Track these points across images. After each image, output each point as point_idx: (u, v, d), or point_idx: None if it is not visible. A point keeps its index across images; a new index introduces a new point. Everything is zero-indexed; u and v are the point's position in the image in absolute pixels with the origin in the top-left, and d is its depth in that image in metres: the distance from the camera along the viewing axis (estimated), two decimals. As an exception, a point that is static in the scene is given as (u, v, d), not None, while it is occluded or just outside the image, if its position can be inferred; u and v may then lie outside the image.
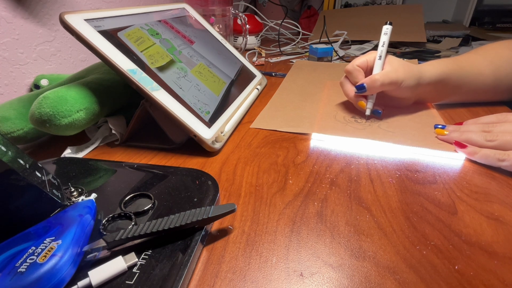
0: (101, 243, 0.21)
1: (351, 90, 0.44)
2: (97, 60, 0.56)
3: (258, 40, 0.96)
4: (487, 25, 1.12)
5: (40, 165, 0.25)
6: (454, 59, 0.47)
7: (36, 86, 0.52)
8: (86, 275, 0.19)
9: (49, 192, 0.23)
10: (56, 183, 0.25)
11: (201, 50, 0.50)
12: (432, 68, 0.44)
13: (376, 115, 0.44)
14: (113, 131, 0.39)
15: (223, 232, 0.25)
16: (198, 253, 0.22)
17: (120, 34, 0.37)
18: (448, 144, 0.37)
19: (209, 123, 0.38)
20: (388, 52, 0.84)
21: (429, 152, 0.36)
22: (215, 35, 0.59)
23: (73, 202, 0.26)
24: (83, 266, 0.20)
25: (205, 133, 0.36)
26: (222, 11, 0.73)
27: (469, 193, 0.29)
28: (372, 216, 0.27)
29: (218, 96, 0.44)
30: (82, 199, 0.27)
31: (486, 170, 0.33)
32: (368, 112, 0.43)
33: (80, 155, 0.37)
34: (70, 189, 0.27)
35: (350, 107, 0.49)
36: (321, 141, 0.39)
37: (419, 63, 0.71)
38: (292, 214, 0.27)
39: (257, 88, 0.56)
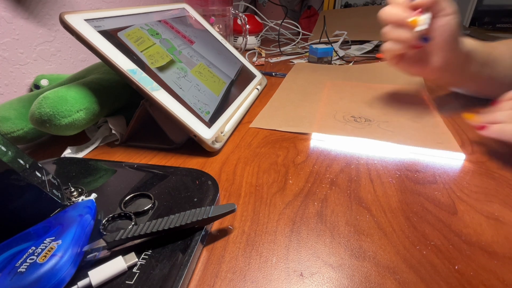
0: (101, 243, 0.21)
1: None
2: (97, 60, 0.56)
3: (258, 40, 0.96)
4: (487, 25, 1.12)
5: (40, 165, 0.25)
6: (482, 42, 0.45)
7: (36, 86, 0.52)
8: (86, 275, 0.19)
9: (49, 192, 0.23)
10: (56, 183, 0.25)
11: (201, 50, 0.50)
12: (465, 39, 0.42)
13: (424, 42, 0.38)
14: (113, 131, 0.39)
15: (223, 232, 0.25)
16: (198, 253, 0.22)
17: (120, 34, 0.37)
18: (448, 144, 0.37)
19: (209, 123, 0.38)
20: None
21: (429, 152, 0.36)
22: (215, 35, 0.59)
23: (73, 202, 0.26)
24: (83, 266, 0.20)
25: (205, 133, 0.36)
26: (222, 11, 0.73)
27: (469, 193, 0.29)
28: (372, 216, 0.27)
29: (218, 96, 0.44)
30: (82, 199, 0.27)
31: (486, 170, 0.33)
32: (422, 27, 0.36)
33: (80, 155, 0.37)
34: (70, 189, 0.27)
35: (349, 106, 0.49)
36: (321, 141, 0.39)
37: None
38: (292, 214, 0.27)
39: (257, 88, 0.56)
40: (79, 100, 0.34)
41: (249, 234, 0.25)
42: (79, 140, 0.40)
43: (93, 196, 0.27)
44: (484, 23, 1.12)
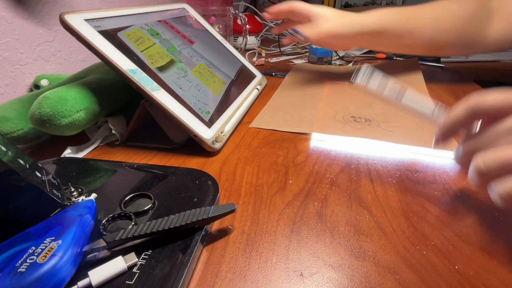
0: (101, 243, 0.21)
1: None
2: (97, 60, 0.56)
3: (258, 40, 0.96)
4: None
5: (40, 165, 0.25)
6: (402, 10, 0.49)
7: (36, 86, 0.52)
8: (86, 275, 0.19)
9: (49, 192, 0.23)
10: (56, 183, 0.25)
11: (201, 50, 0.50)
12: (373, 18, 0.48)
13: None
14: (113, 131, 0.39)
15: (223, 232, 0.25)
16: (198, 253, 0.22)
17: (120, 34, 0.37)
18: (448, 143, 0.37)
19: (209, 123, 0.38)
20: (387, 52, 0.84)
21: (429, 152, 0.36)
22: (215, 35, 0.59)
23: (73, 202, 0.26)
24: (83, 266, 0.20)
25: (205, 133, 0.36)
26: (222, 11, 0.73)
27: (469, 193, 0.29)
28: (372, 216, 0.27)
29: (218, 96, 0.44)
30: (82, 199, 0.27)
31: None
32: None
33: (80, 155, 0.37)
34: (70, 189, 0.27)
35: (349, 106, 0.49)
36: (321, 141, 0.39)
37: (420, 63, 0.71)
38: (292, 214, 0.27)
39: (257, 88, 0.56)
40: (79, 100, 0.34)
41: (249, 234, 0.25)
42: (79, 140, 0.40)
43: (93, 196, 0.27)
44: None
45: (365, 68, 0.28)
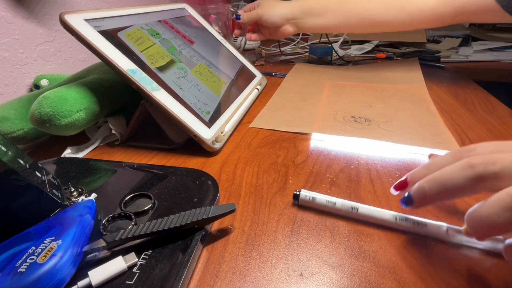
0: (101, 243, 0.21)
1: None
2: (97, 60, 0.56)
3: (258, 40, 0.96)
4: (487, 25, 1.11)
5: (40, 165, 0.25)
6: None
7: (36, 86, 0.52)
8: (86, 275, 0.19)
9: (49, 192, 0.23)
10: (56, 183, 0.25)
11: (201, 50, 0.50)
12: (301, 1, 0.56)
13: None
14: (113, 131, 0.39)
15: (223, 232, 0.25)
16: (198, 253, 0.22)
17: (120, 34, 0.37)
18: (448, 144, 0.37)
19: (209, 123, 0.38)
20: (387, 52, 0.84)
21: (428, 152, 0.36)
22: (215, 35, 0.59)
23: (73, 202, 0.26)
24: (83, 266, 0.20)
25: (205, 133, 0.36)
26: (222, 11, 0.73)
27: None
28: (372, 216, 0.27)
29: (218, 96, 0.44)
30: (82, 199, 0.27)
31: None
32: None
33: (80, 155, 0.37)
34: (70, 189, 0.27)
35: (349, 106, 0.49)
36: (321, 141, 0.39)
37: (420, 63, 0.71)
38: (292, 214, 0.27)
39: (257, 88, 0.56)
40: (79, 100, 0.34)
41: (249, 234, 0.25)
42: (79, 140, 0.40)
43: (93, 196, 0.27)
44: (484, 23, 1.12)
45: (305, 191, 0.28)
